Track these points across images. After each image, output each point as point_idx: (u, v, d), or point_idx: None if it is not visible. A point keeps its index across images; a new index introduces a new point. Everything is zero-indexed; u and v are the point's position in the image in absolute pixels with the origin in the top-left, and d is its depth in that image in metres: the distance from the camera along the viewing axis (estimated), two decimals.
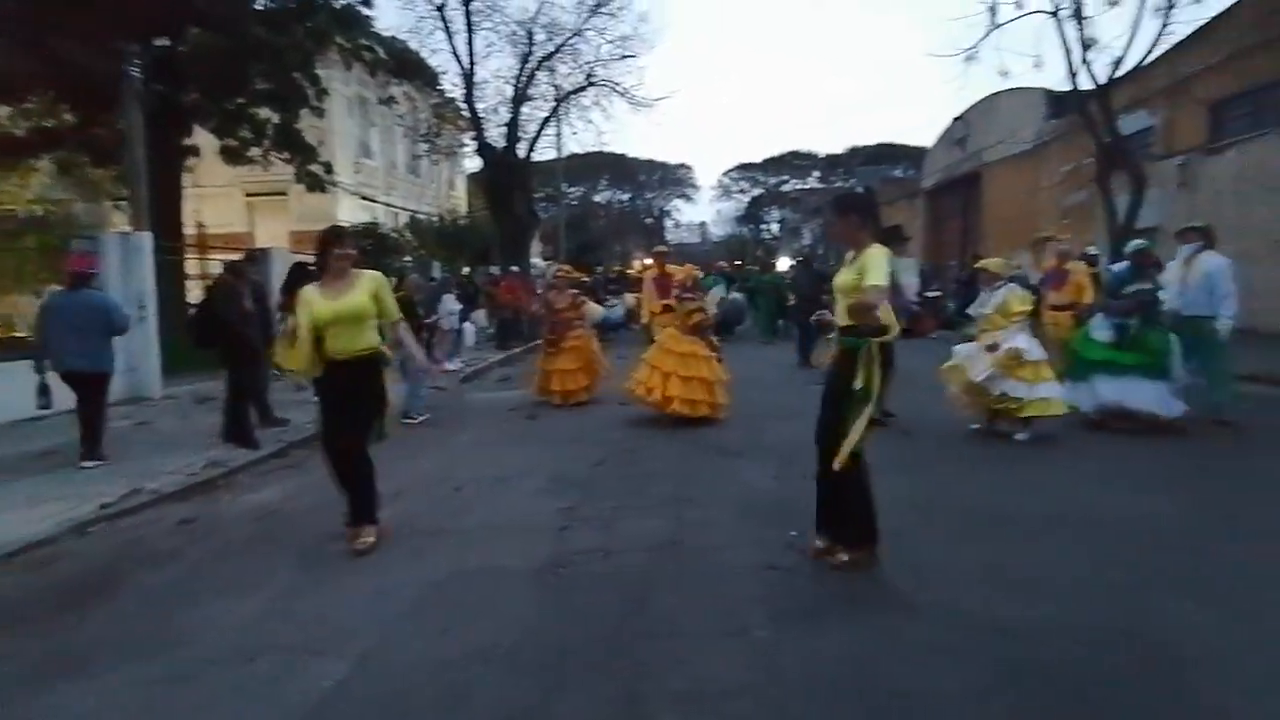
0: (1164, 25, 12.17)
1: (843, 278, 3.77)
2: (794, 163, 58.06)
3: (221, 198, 22.22)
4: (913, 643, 2.95)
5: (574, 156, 26.04)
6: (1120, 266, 7.23)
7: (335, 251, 4.11)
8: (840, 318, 3.77)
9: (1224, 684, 2.62)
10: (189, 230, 15.18)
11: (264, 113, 13.24)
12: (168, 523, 4.92)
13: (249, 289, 7.34)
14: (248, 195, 22.29)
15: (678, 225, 61.27)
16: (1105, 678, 2.66)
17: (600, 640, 3.06)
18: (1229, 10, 13.27)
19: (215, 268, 11.37)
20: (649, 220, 57.35)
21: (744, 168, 59.83)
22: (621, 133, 58.48)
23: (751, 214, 60.36)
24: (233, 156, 13.70)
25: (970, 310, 6.43)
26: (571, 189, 45.26)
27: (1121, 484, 5.07)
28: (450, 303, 12.19)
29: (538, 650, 2.99)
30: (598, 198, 54.54)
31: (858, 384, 3.56)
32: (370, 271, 4.29)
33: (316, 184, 13.79)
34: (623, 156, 44.28)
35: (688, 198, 60.32)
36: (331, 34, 12.92)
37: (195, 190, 21.31)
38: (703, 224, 61.95)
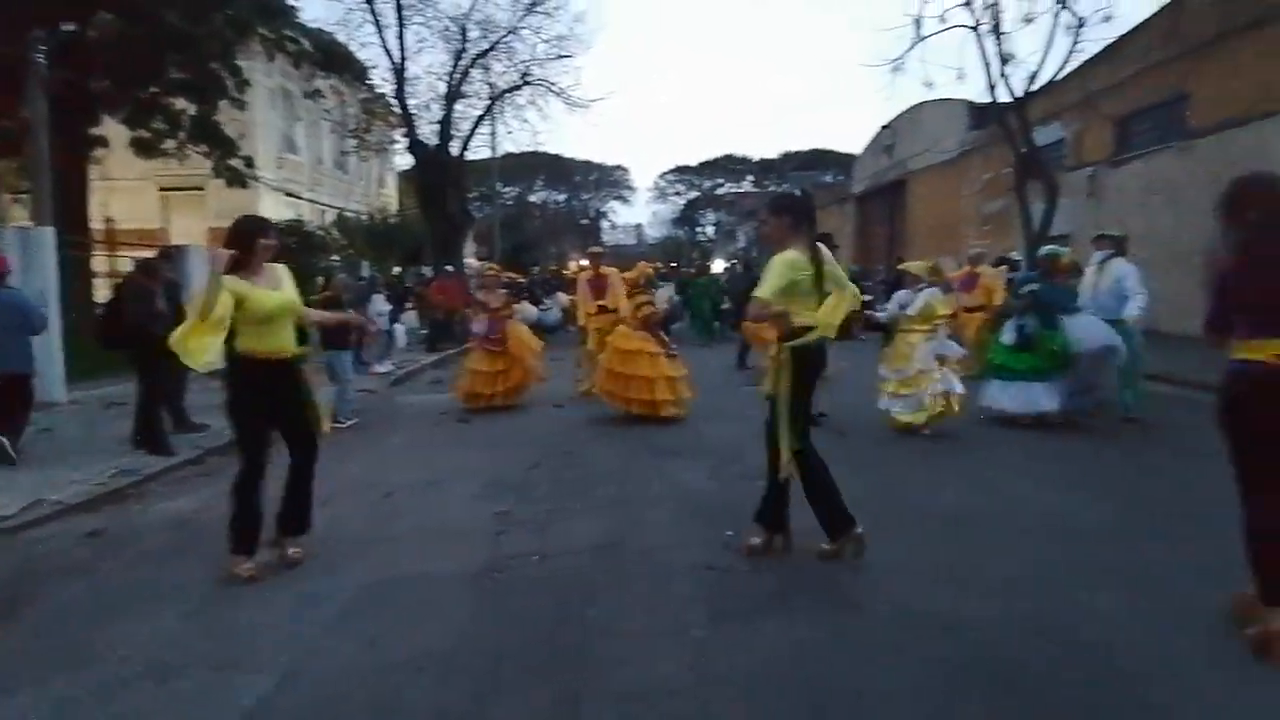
0: (1075, 43, 12.87)
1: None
2: (729, 166, 58.93)
3: (134, 192, 21.11)
4: (852, 640, 3.01)
5: (509, 156, 25.74)
6: (1024, 274, 7.65)
7: (261, 241, 3.79)
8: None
9: (1148, 668, 2.75)
10: (97, 226, 14.38)
11: (180, 103, 12.65)
12: (75, 535, 4.64)
13: (162, 288, 7.00)
14: (162, 190, 21.29)
15: (614, 227, 61.33)
16: (1041, 670, 2.77)
17: (538, 643, 3.03)
18: (1134, 30, 14.09)
19: (125, 265, 10.80)
20: (585, 221, 57.18)
21: (680, 170, 60.38)
22: (558, 133, 57.79)
23: (687, 216, 60.94)
24: (145, 149, 13.05)
25: (886, 310, 6.64)
26: (507, 189, 44.76)
27: (1043, 480, 5.31)
28: (379, 303, 11.89)
29: (473, 656, 2.93)
30: (533, 198, 54.09)
31: (767, 388, 3.63)
32: (282, 266, 4.01)
33: (236, 179, 13.27)
34: (559, 157, 44.05)
35: (624, 199, 60.49)
36: (253, 24, 12.43)
37: (105, 184, 20.15)
38: (639, 226, 62.21)
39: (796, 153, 55.31)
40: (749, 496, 4.08)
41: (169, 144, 12.92)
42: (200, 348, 3.54)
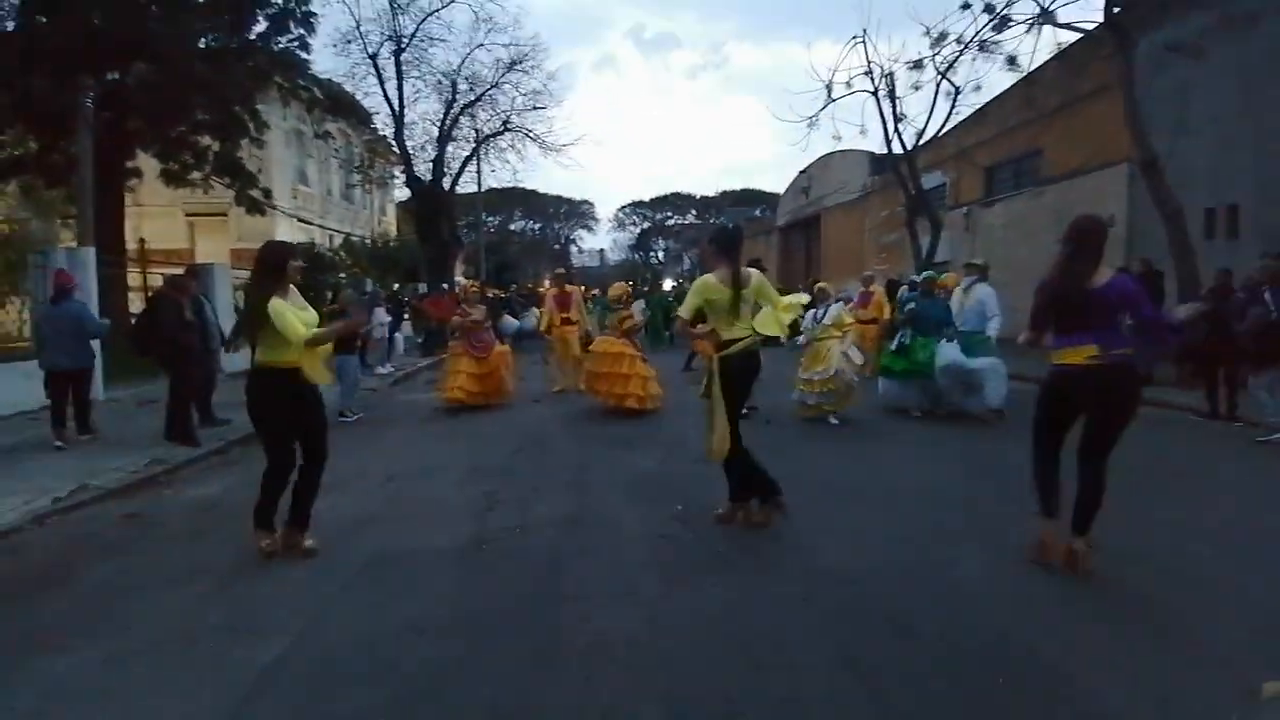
0: (952, 107, 13.32)
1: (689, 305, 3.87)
2: (675, 202, 59.18)
3: (163, 217, 20.13)
4: (775, 593, 3.05)
5: (493, 191, 25.38)
6: (907, 293, 7.93)
7: (291, 264, 3.63)
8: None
9: (1000, 607, 2.85)
10: (131, 247, 13.78)
11: (205, 140, 12.16)
12: (114, 516, 4.45)
13: (189, 301, 6.73)
14: (188, 215, 20.36)
15: (580, 251, 61.00)
16: (918, 613, 2.85)
17: (517, 606, 2.99)
18: (998, 98, 14.59)
19: (156, 281, 10.39)
20: (557, 247, 56.80)
21: (635, 205, 60.39)
22: (535, 172, 57.40)
23: (642, 243, 60.99)
24: (173, 179, 12.52)
25: (805, 322, 6.79)
26: (491, 218, 44.14)
27: (923, 459, 5.47)
28: (381, 315, 11.60)
29: (463, 619, 2.88)
30: (513, 226, 53.53)
31: (700, 392, 3.70)
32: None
33: (255, 207, 12.81)
34: (535, 192, 43.69)
35: (589, 228, 60.22)
36: (270, 74, 12.01)
37: (138, 209, 19.22)
38: (602, 251, 62.07)
39: (731, 191, 55.85)
40: (694, 477, 4.10)
41: (195, 175, 12.39)
42: (322, 370, 3.63)
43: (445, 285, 16.16)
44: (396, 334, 13.44)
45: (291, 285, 3.75)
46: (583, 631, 2.74)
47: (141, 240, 11.82)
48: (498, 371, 8.19)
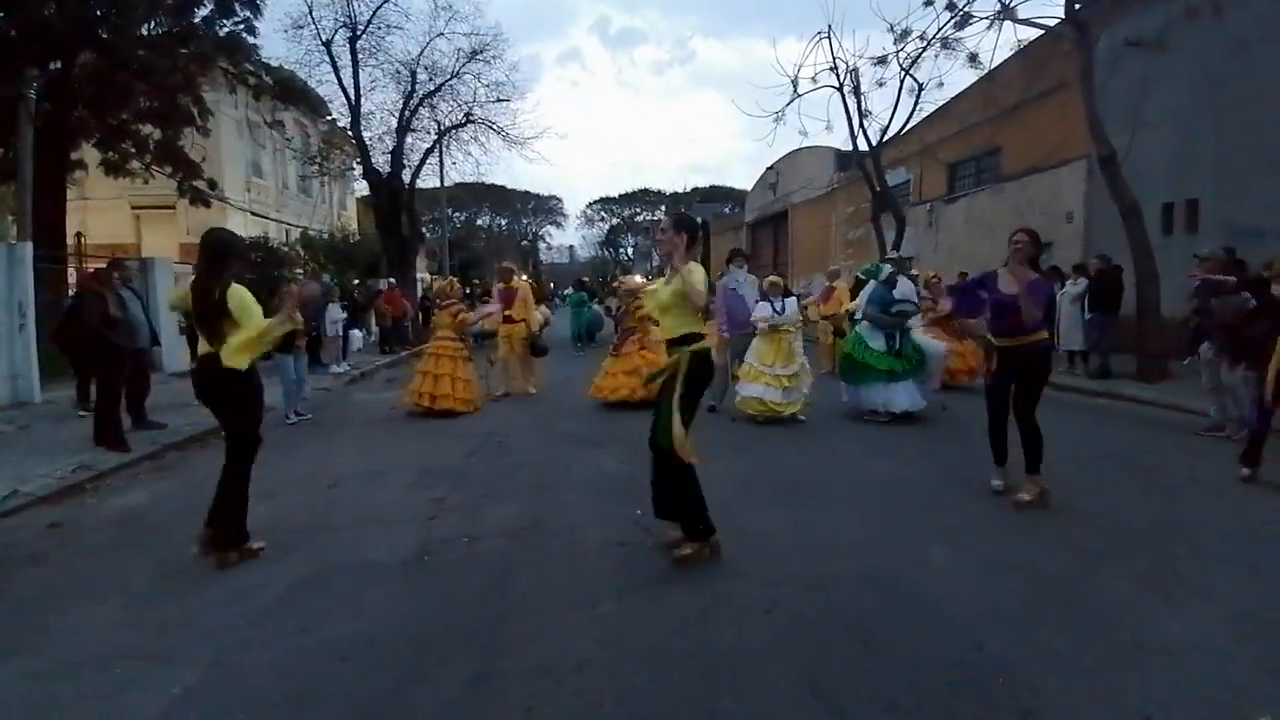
0: (916, 103, 13.34)
1: (662, 293, 3.39)
2: (644, 198, 58.91)
3: (110, 210, 19.26)
4: (737, 604, 2.87)
5: (461, 185, 24.79)
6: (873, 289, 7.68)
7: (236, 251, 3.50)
8: (664, 330, 3.44)
9: (968, 614, 2.72)
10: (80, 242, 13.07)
11: (147, 128, 11.50)
12: (37, 526, 4.12)
13: (113, 297, 6.26)
14: (135, 208, 19.43)
15: (550, 248, 60.54)
16: (884, 619, 2.70)
17: (459, 625, 2.75)
18: (960, 95, 14.72)
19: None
20: (525, 243, 56.16)
21: (604, 201, 60.01)
22: (503, 166, 56.71)
23: (611, 240, 60.66)
24: (112, 169, 11.82)
25: (757, 316, 6.55)
26: (459, 214, 43.30)
27: (887, 455, 5.35)
28: (334, 311, 11.13)
29: (396, 642, 2.63)
30: (480, 221, 52.68)
31: (678, 390, 3.23)
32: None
33: (199, 198, 12.19)
34: (503, 187, 43.08)
35: (558, 224, 59.68)
36: (214, 58, 11.40)
37: (83, 203, 18.35)
38: (571, 247, 61.66)
39: (700, 188, 55.86)
40: None
41: (135, 165, 11.72)
42: (244, 359, 3.32)
43: (391, 281, 15.64)
44: (354, 330, 12.96)
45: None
46: (528, 652, 2.52)
47: (79, 234, 11.17)
48: (457, 372, 7.59)
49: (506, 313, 8.44)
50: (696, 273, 3.24)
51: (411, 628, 2.74)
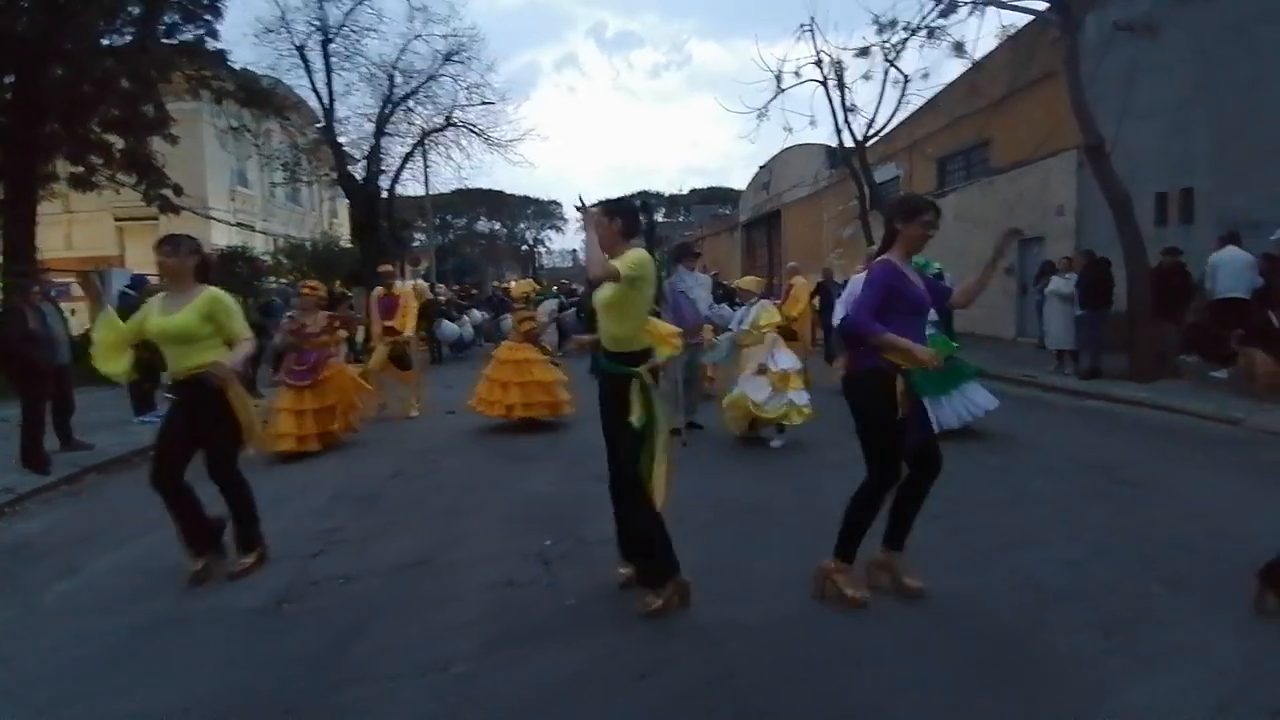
0: (901, 96, 12.84)
1: (603, 291, 2.79)
2: (644, 201, 58.58)
3: (92, 222, 19.08)
4: (623, 664, 2.41)
5: (458, 191, 24.47)
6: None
7: (157, 258, 3.21)
8: (606, 342, 2.83)
9: (883, 686, 2.25)
10: (67, 255, 12.81)
11: (111, 138, 11.19)
12: None
13: (34, 312, 5.87)
14: (117, 220, 19.21)
15: (550, 253, 60.04)
16: (780, 687, 2.24)
17: (292, 692, 2.32)
18: (947, 89, 14.20)
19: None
20: (524, 249, 55.85)
21: (604, 203, 59.60)
22: (495, 171, 56.24)
23: None
24: (79, 183, 11.51)
25: (731, 325, 5.98)
26: (457, 220, 43.05)
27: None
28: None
29: (222, 709, 2.23)
30: (479, 227, 52.45)
31: (633, 419, 2.68)
32: (211, 289, 3.23)
33: (168, 206, 11.84)
34: (500, 192, 42.83)
35: (558, 229, 59.22)
36: (174, 62, 11.07)
37: (68, 216, 18.16)
38: (574, 251, 61.02)
39: (698, 190, 55.43)
40: (590, 499, 3.44)
41: (100, 177, 11.40)
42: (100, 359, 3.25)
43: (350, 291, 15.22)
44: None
45: (199, 285, 3.28)
46: None
47: (34, 249, 10.81)
48: (341, 401, 6.17)
49: (386, 324, 7.34)
50: (628, 256, 2.72)
51: (231, 696, 2.31)
